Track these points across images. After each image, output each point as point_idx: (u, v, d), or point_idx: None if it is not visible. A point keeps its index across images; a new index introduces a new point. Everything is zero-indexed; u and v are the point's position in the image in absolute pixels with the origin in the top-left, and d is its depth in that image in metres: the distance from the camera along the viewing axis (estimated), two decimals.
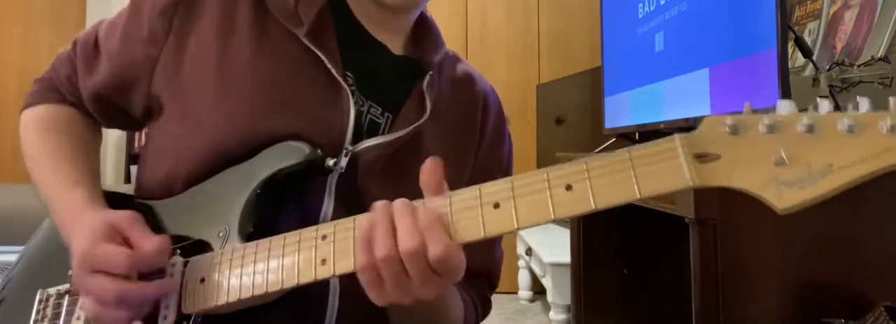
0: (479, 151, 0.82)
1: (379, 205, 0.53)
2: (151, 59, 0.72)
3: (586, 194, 0.47)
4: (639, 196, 0.45)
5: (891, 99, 0.41)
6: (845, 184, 0.41)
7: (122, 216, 0.63)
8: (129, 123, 0.81)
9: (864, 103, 0.42)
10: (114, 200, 0.71)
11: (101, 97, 0.77)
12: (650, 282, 1.86)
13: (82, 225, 0.63)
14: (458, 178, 0.79)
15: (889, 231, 1.04)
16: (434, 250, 0.49)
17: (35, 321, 0.68)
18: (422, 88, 0.75)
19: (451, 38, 3.28)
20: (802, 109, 0.44)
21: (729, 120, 0.44)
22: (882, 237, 1.04)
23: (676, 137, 0.45)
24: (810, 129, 0.42)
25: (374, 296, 0.52)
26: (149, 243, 0.60)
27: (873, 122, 0.41)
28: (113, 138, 3.40)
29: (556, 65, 3.30)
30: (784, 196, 0.42)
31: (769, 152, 0.43)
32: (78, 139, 0.77)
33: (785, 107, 0.43)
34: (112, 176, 3.40)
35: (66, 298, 0.68)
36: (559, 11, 3.34)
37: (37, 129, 0.77)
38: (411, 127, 0.72)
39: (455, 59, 0.85)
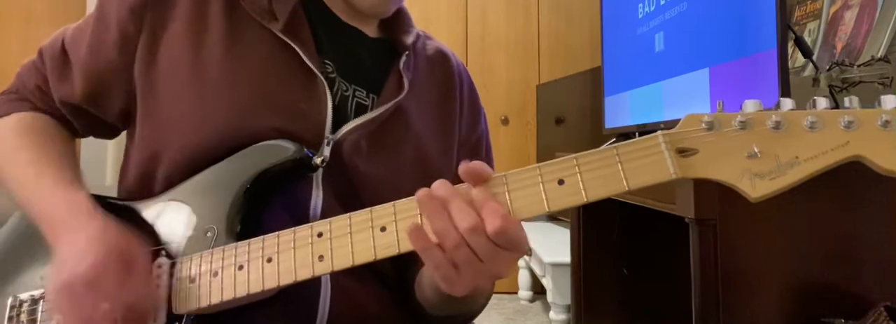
0: (461, 123, 0.83)
1: (421, 193, 0.51)
2: (126, 62, 0.71)
3: (578, 188, 0.50)
4: (627, 189, 0.49)
5: (846, 98, 0.46)
6: (810, 174, 0.46)
7: (139, 252, 0.62)
8: (106, 131, 0.79)
9: (821, 102, 0.47)
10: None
11: (76, 108, 0.75)
12: (650, 282, 1.86)
13: (88, 236, 0.61)
14: (446, 149, 0.80)
15: (888, 231, 1.04)
16: (492, 224, 0.49)
17: None
18: (398, 67, 0.77)
19: (451, 38, 3.29)
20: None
21: (705, 118, 0.49)
22: (882, 237, 1.04)
23: (659, 134, 0.49)
24: (778, 125, 0.47)
25: (455, 288, 0.52)
26: (153, 295, 0.61)
27: (833, 118, 0.46)
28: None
29: (556, 65, 3.30)
30: (757, 186, 0.47)
31: (742, 147, 0.47)
32: (60, 144, 0.75)
33: (751, 106, 0.49)
34: (112, 176, 3.40)
35: (41, 303, 0.66)
36: (559, 11, 3.34)
37: (13, 133, 0.73)
38: (389, 104, 0.73)
39: (426, 38, 0.87)
